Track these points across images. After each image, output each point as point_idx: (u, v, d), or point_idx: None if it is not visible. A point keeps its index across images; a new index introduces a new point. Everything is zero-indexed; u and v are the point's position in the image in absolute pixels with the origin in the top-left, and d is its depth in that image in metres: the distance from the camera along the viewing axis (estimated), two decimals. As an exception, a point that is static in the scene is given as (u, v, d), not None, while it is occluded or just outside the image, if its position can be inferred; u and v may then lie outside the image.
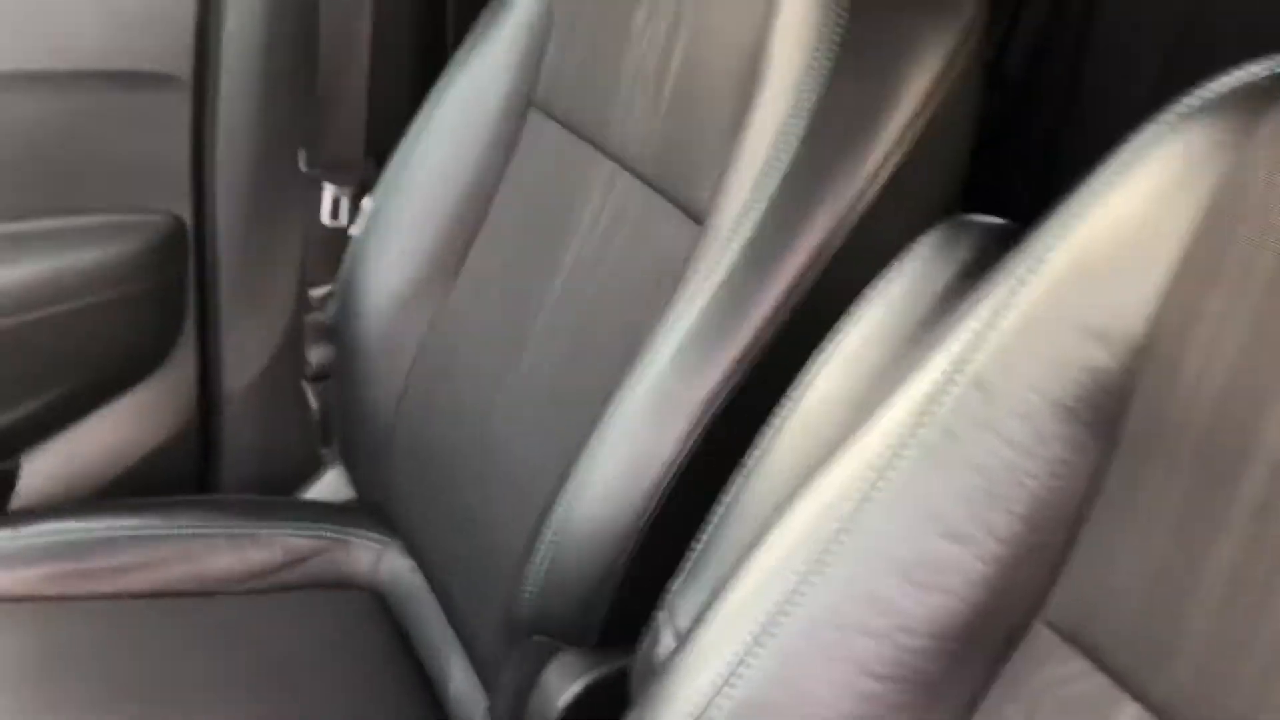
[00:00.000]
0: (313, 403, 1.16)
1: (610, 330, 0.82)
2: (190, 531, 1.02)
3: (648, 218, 0.82)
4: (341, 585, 1.04)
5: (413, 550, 1.02)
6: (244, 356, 1.15)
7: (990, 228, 0.53)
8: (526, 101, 0.95)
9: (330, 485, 1.17)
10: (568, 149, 0.91)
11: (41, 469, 1.14)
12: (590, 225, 0.88)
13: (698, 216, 0.75)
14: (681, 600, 0.54)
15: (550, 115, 0.94)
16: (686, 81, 0.79)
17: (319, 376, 1.15)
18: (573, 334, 0.86)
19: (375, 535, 1.05)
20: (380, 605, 1.03)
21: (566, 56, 0.92)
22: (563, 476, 0.76)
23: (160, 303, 1.12)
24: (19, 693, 0.87)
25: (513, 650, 0.79)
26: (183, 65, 1.04)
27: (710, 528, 0.56)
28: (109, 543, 1.00)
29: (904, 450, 0.44)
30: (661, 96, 0.81)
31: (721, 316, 0.68)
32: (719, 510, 0.56)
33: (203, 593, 1.00)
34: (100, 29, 1.01)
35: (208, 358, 1.15)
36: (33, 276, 1.05)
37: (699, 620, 0.50)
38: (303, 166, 1.09)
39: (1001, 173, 0.82)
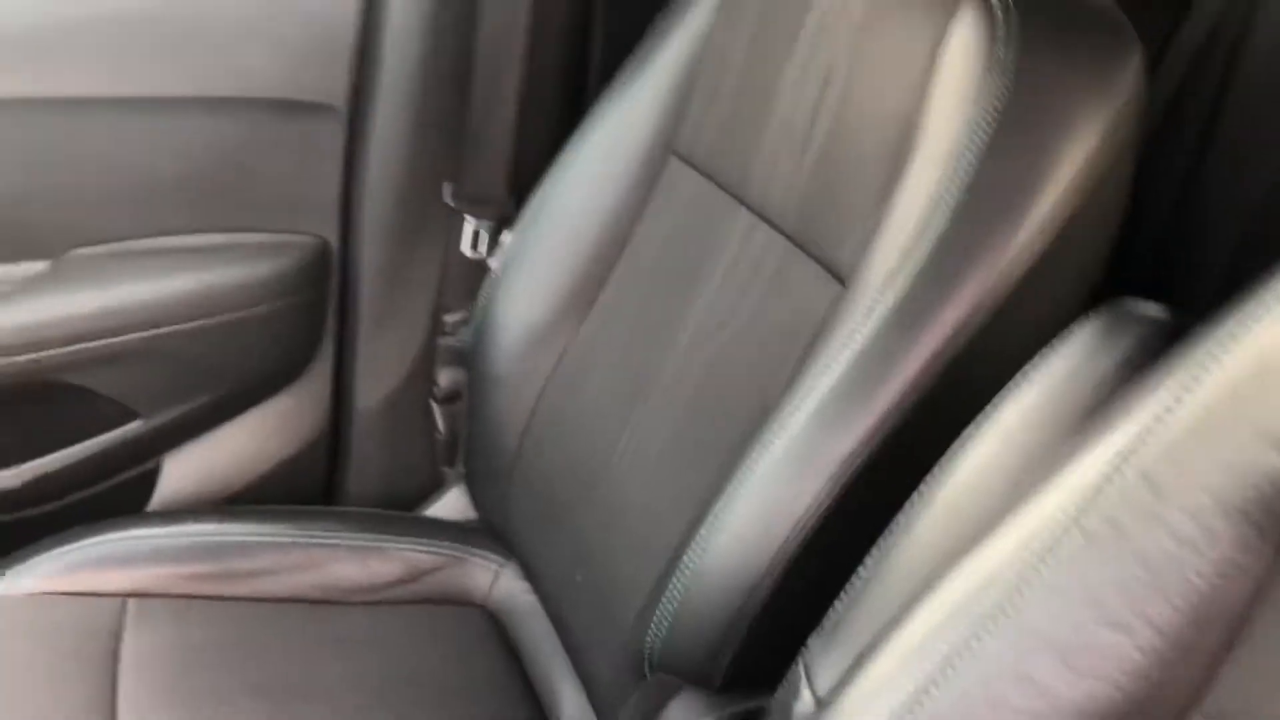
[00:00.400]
0: (439, 423, 1.21)
1: (743, 380, 0.84)
2: (319, 541, 1.07)
3: (786, 272, 0.84)
4: (458, 602, 1.08)
5: (529, 574, 1.06)
6: (377, 375, 1.20)
7: (1155, 317, 0.54)
8: (667, 148, 0.98)
9: (451, 504, 1.21)
10: (706, 198, 0.94)
11: (179, 471, 1.20)
12: (725, 275, 0.90)
13: (840, 275, 0.77)
14: (821, 660, 0.55)
15: (690, 163, 0.96)
16: (835, 140, 0.81)
17: (447, 398, 1.20)
18: (703, 380, 0.88)
19: (493, 556, 1.09)
20: (494, 624, 1.06)
21: (711, 107, 0.95)
22: (692, 520, 0.79)
23: (302, 320, 1.17)
24: (160, 684, 0.92)
25: (632, 684, 0.81)
26: (340, 96, 1.10)
27: (853, 590, 0.57)
28: (244, 547, 1.05)
29: (1065, 536, 0.45)
30: (808, 153, 0.83)
31: (864, 377, 0.69)
32: (863, 572, 0.58)
33: (327, 601, 1.05)
34: (266, 60, 1.07)
35: (342, 374, 1.21)
36: (189, 289, 1.11)
37: (843, 684, 0.51)
38: (447, 199, 1.13)
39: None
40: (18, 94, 1.01)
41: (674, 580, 0.75)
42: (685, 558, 0.75)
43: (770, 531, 0.71)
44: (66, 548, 1.00)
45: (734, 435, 0.80)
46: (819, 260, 0.80)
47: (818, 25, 0.84)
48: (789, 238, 0.84)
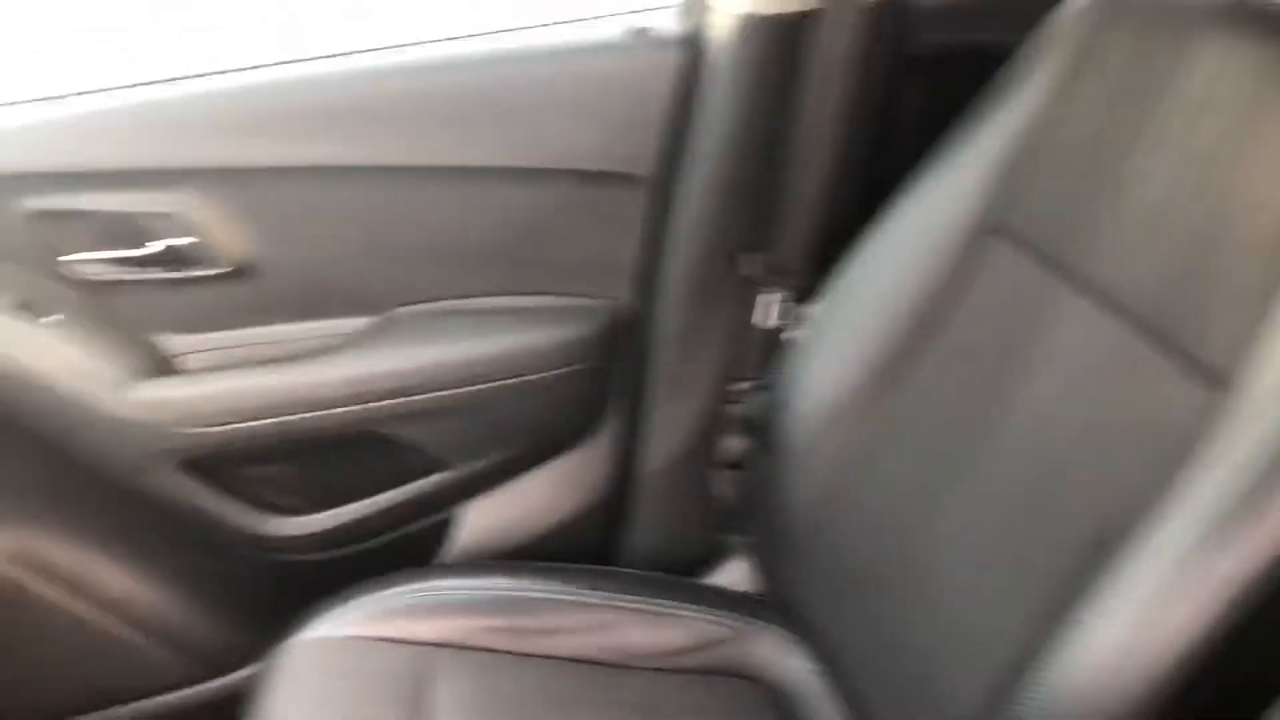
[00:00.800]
0: (723, 490, 1.21)
1: (1085, 478, 0.79)
2: (609, 603, 1.08)
3: (1136, 366, 0.79)
4: (745, 675, 1.06)
5: (822, 653, 1.03)
6: (663, 439, 1.21)
7: None
8: (989, 228, 0.95)
9: (733, 573, 1.21)
10: (1035, 282, 0.90)
11: (471, 522, 1.25)
12: (1058, 364, 0.86)
13: (1212, 376, 0.72)
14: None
15: (1016, 245, 0.93)
16: (1211, 227, 0.76)
17: (732, 465, 1.20)
18: (1036, 474, 0.84)
19: (780, 631, 1.07)
20: (782, 702, 1.04)
21: (1044, 187, 0.91)
22: (1031, 624, 0.75)
23: (595, 382, 1.20)
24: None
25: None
26: (646, 166, 1.12)
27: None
28: (539, 604, 1.07)
29: None
30: (1173, 240, 0.78)
31: (1261, 493, 0.64)
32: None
33: (616, 664, 1.06)
34: (580, 132, 1.11)
35: (630, 436, 1.23)
36: (498, 349, 1.16)
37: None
38: (744, 269, 1.14)
39: None
40: (359, 162, 1.09)
41: (1026, 692, 0.71)
42: (1041, 671, 0.71)
43: (1149, 655, 0.65)
44: (380, 594, 1.05)
45: (1077, 537, 0.76)
46: (1181, 357, 0.75)
47: (1193, 103, 0.79)
48: (1141, 330, 0.79)
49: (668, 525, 1.24)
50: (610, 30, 1.12)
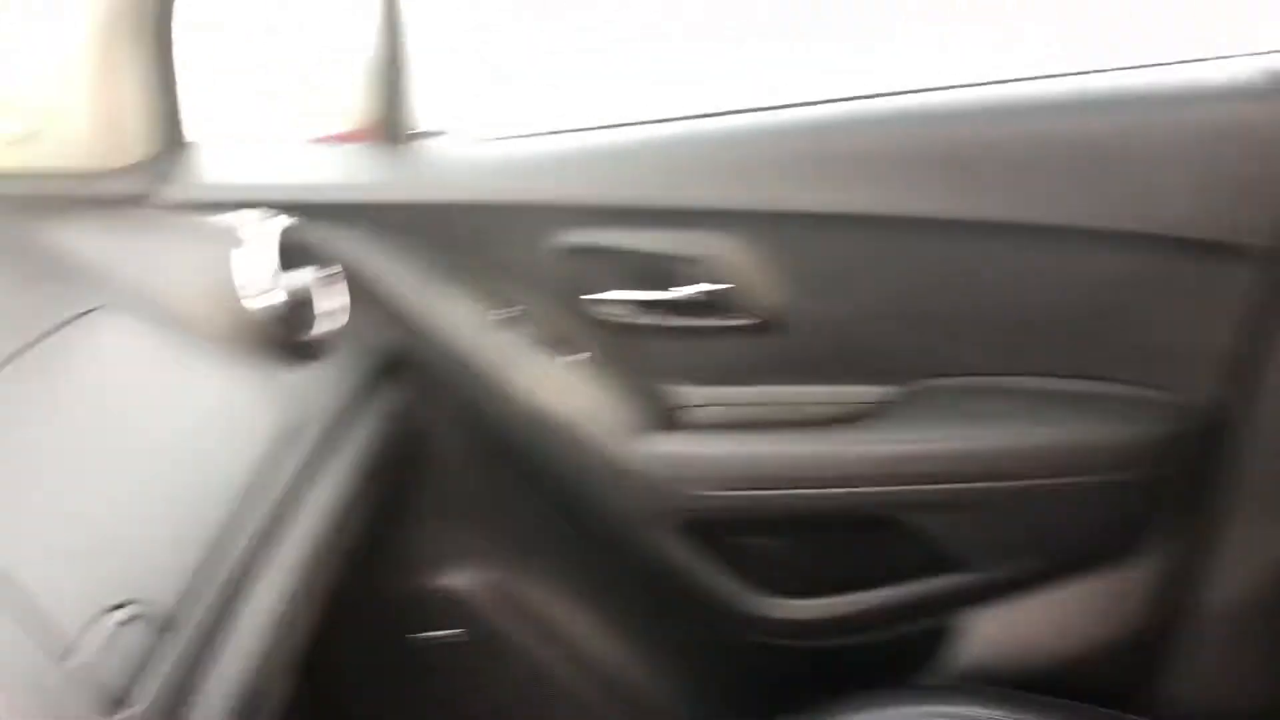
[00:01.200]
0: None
1: None
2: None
3: None
4: None
5: None
6: (1236, 568, 0.97)
7: None
8: None
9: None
10: None
11: (972, 635, 1.07)
12: None
13: None
14: None
15: None
16: None
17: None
18: None
19: None
20: None
21: None
22: None
23: (1152, 490, 1.00)
24: None
25: None
26: (1267, 238, 0.91)
27: None
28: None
29: None
30: None
31: None
32: None
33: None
34: (1182, 191, 0.91)
35: (1185, 560, 1.01)
36: (1039, 441, 0.98)
37: None
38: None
39: None
40: (909, 212, 0.95)
41: None
42: None
43: None
44: (894, 710, 0.90)
45: None
46: None
47: None
48: None
49: (1228, 674, 1.00)
50: (1233, 72, 0.93)
